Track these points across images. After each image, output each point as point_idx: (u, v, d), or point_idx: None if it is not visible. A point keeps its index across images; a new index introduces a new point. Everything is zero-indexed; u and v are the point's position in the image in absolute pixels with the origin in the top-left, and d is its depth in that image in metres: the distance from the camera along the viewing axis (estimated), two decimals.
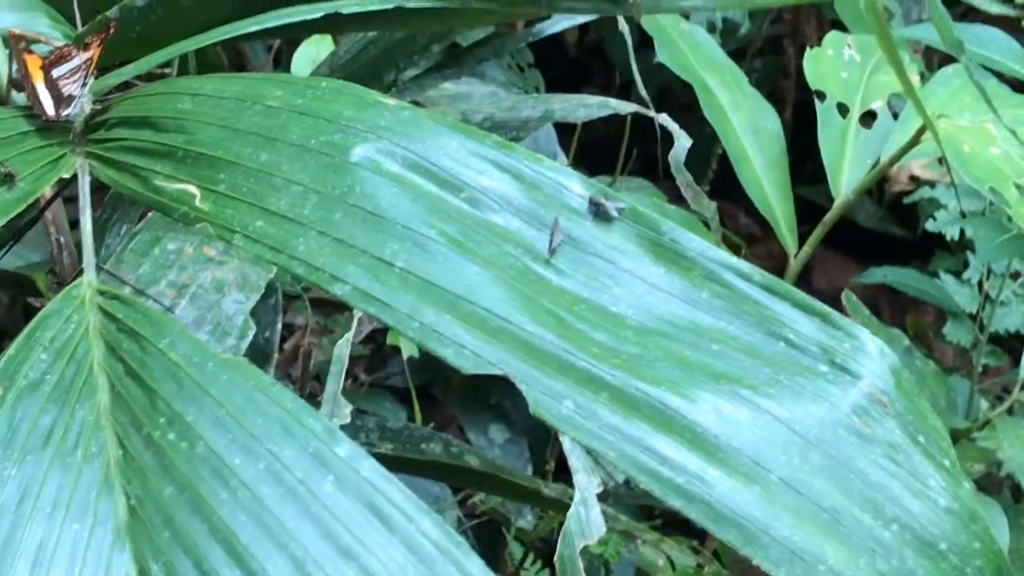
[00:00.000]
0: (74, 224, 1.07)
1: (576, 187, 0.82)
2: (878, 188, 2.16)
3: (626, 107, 1.12)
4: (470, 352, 0.75)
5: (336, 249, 0.78)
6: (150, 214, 1.07)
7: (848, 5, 1.71)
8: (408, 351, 1.69)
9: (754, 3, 1.30)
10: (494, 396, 1.84)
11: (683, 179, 1.11)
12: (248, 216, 0.80)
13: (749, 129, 1.30)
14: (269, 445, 0.72)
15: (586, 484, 0.88)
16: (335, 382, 1.00)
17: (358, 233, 0.79)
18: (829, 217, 1.29)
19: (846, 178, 1.29)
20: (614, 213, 0.80)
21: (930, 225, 1.90)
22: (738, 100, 1.32)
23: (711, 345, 0.77)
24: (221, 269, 1.02)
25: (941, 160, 1.96)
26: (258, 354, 1.29)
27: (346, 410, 0.98)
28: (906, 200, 2.02)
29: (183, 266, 1.01)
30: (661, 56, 1.31)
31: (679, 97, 2.17)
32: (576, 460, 0.91)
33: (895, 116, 1.35)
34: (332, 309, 1.71)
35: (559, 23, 1.26)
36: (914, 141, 1.24)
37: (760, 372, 0.76)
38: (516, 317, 0.76)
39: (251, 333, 0.98)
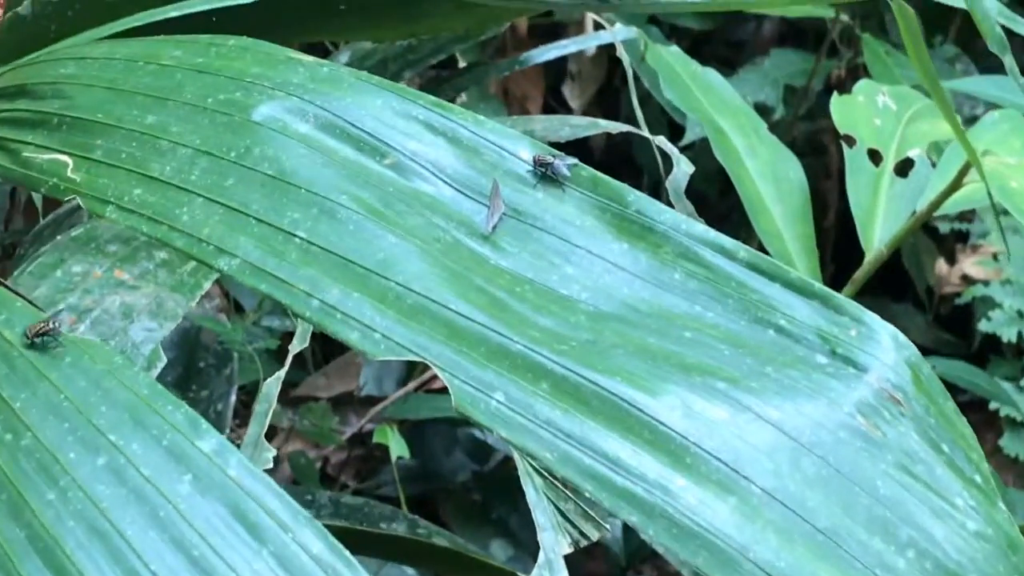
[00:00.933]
0: None
1: (524, 153, 0.70)
2: (928, 297, 2.01)
3: (616, 126, 0.99)
4: (380, 334, 0.63)
5: (226, 218, 0.67)
6: (58, 236, 0.95)
7: (883, 71, 1.60)
8: (397, 452, 1.55)
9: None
10: (496, 510, 1.69)
11: (683, 208, 0.97)
12: (125, 184, 0.69)
13: (768, 177, 1.18)
14: (114, 437, 0.59)
15: (551, 544, 0.75)
16: (259, 424, 0.87)
17: (253, 200, 0.67)
18: (860, 275, 1.15)
19: (879, 230, 1.15)
20: (565, 171, 0.67)
21: (984, 326, 1.76)
22: (754, 145, 1.20)
23: (683, 332, 0.64)
24: (133, 294, 0.91)
25: (996, 256, 1.82)
26: None
27: (268, 455, 0.85)
28: (958, 301, 1.88)
29: (88, 289, 0.90)
30: (668, 93, 1.20)
31: (716, 207, 2.05)
32: (542, 515, 0.78)
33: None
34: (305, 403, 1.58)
35: (548, 52, 1.15)
36: (956, 184, 1.11)
37: (742, 363, 0.63)
38: (440, 295, 0.64)
39: (160, 365, 0.86)
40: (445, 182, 0.69)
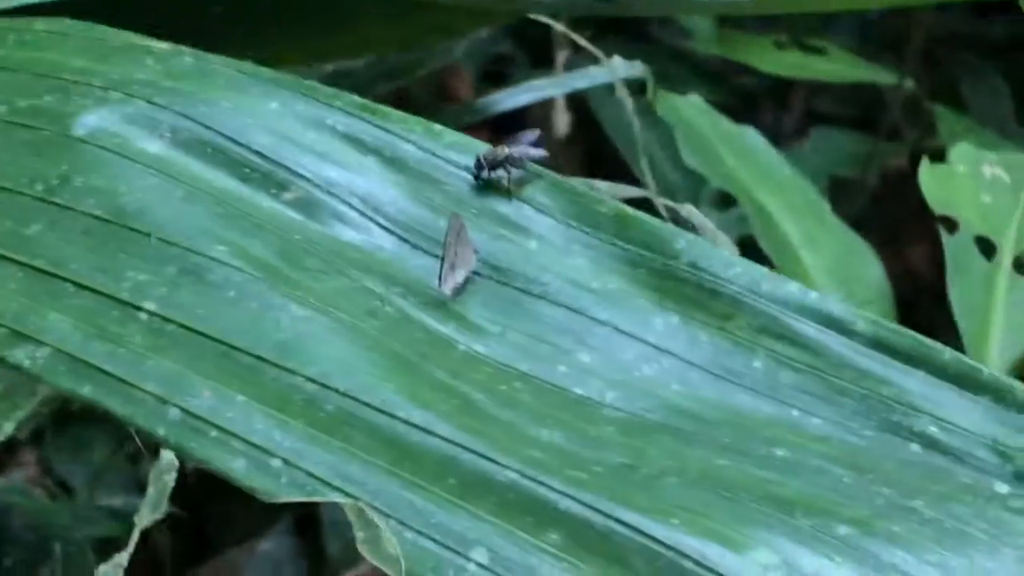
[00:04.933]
0: None
1: None
2: None
3: (628, 190, 0.88)
4: (280, 460, 0.52)
5: (28, 285, 0.59)
6: None
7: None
8: None
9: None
10: None
11: None
12: None
13: (834, 275, 1.08)
14: None
15: None
16: None
17: (74, 255, 0.59)
18: None
19: (996, 349, 1.04)
20: (536, 154, 0.62)
21: None
22: (815, 233, 1.10)
23: (773, 450, 0.56)
24: None
25: None
26: None
27: None
28: None
29: None
30: (687, 157, 1.10)
31: None
32: None
33: None
34: None
35: (511, 98, 1.06)
36: None
37: (875, 495, 0.53)
38: (381, 395, 0.55)
39: None
40: (381, 226, 0.61)
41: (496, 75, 1.84)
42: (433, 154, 0.61)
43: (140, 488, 1.29)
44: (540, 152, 0.61)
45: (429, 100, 1.70)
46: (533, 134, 0.63)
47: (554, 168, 1.69)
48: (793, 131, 2.08)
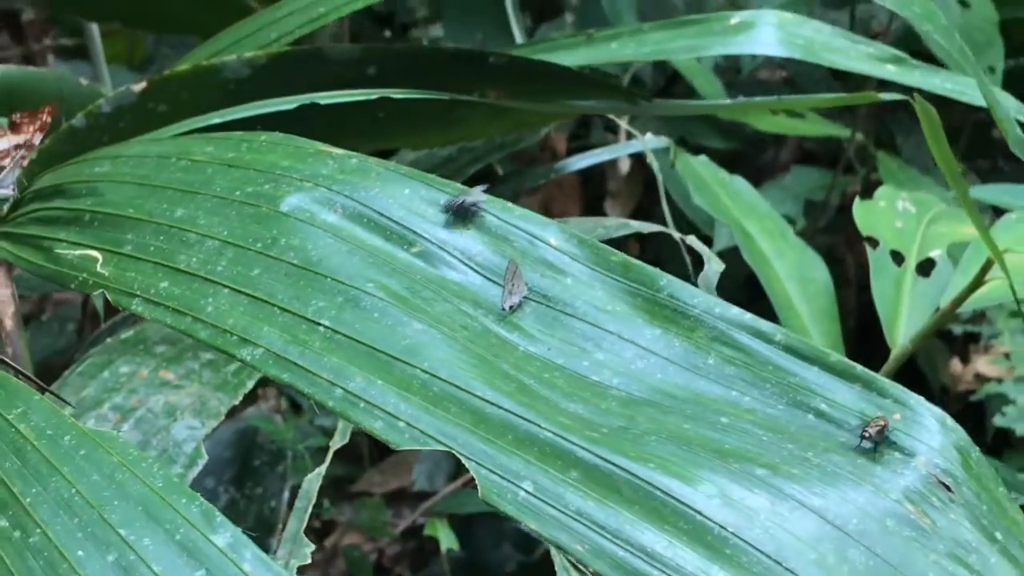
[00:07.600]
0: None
1: (553, 239, 0.61)
2: (941, 394, 1.89)
3: (648, 226, 0.90)
4: (404, 423, 0.54)
5: (250, 308, 0.59)
6: (108, 339, 0.87)
7: (898, 186, 1.50)
8: (447, 544, 1.44)
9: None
10: None
11: None
12: (152, 277, 0.61)
13: (795, 278, 1.08)
14: (125, 532, 0.49)
15: None
16: (298, 520, 0.77)
17: (279, 289, 0.59)
18: (886, 370, 1.04)
19: (903, 327, 1.05)
20: (479, 201, 0.61)
21: (998, 420, 1.63)
22: (782, 248, 1.10)
23: (719, 418, 0.55)
24: (177, 393, 0.82)
25: (1008, 355, 1.71)
26: (262, 524, 1.07)
27: (307, 550, 0.75)
28: (973, 398, 1.76)
29: (133, 389, 0.82)
30: (698, 199, 1.11)
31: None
32: None
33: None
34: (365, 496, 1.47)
35: (582, 160, 1.07)
36: (977, 282, 1.00)
37: (782, 449, 0.53)
38: (467, 382, 0.55)
39: (201, 462, 0.78)
40: (474, 269, 0.61)
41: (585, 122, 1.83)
42: (507, 223, 0.62)
43: None
44: (482, 204, 0.61)
45: (536, 155, 1.70)
46: (481, 193, 0.62)
47: (618, 195, 1.63)
48: (788, 163, 2.06)
